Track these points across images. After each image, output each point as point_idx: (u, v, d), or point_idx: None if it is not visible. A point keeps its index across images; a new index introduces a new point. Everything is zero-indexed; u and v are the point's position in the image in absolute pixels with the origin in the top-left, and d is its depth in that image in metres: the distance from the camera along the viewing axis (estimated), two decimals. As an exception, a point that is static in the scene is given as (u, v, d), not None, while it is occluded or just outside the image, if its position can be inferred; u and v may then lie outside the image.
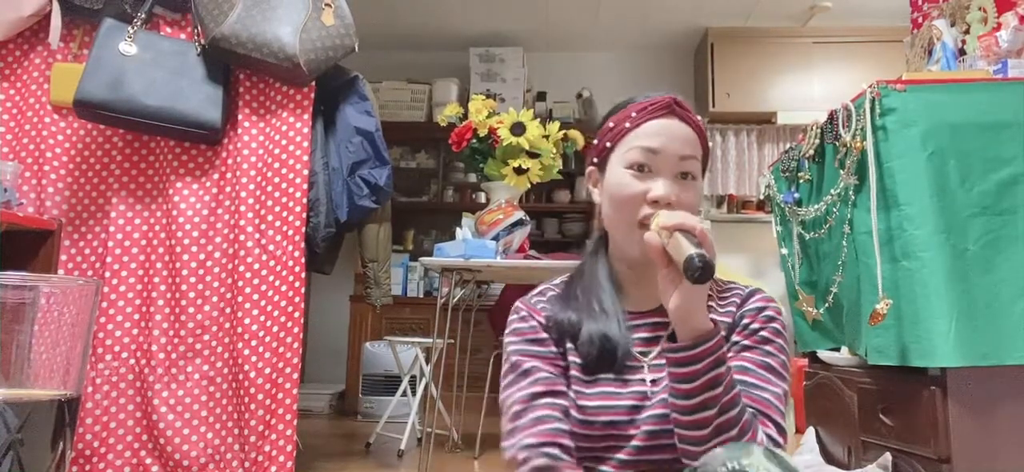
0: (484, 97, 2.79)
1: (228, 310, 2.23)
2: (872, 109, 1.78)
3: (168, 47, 2.26)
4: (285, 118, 2.29)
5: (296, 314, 2.19)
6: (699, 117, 1.06)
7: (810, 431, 2.32)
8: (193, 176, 2.33)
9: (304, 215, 2.24)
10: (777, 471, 0.76)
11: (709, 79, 4.94)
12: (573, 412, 0.98)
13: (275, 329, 2.18)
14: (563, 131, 2.76)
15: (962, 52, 2.25)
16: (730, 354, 0.97)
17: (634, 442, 0.97)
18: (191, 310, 2.23)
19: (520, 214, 2.64)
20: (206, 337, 2.24)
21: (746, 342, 1.00)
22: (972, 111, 1.74)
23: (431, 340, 3.19)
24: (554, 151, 2.70)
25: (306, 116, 2.30)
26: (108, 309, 2.24)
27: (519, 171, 2.62)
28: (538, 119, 2.70)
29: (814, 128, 2.10)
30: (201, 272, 2.25)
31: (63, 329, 0.56)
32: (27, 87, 2.34)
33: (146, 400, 2.21)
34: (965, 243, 1.69)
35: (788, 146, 2.55)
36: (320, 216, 2.35)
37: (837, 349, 2.19)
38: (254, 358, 2.16)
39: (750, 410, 0.92)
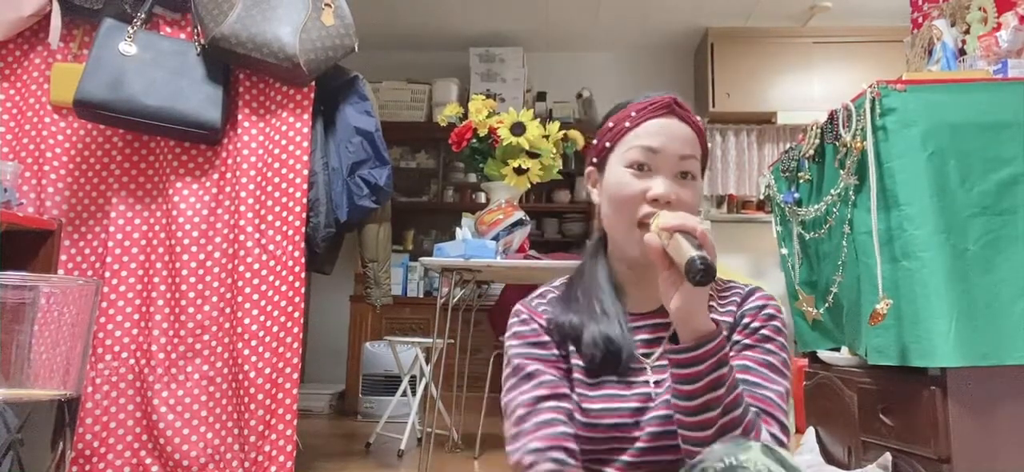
0: (484, 97, 2.79)
1: (228, 310, 2.23)
2: (872, 109, 1.78)
3: (168, 47, 2.26)
4: (285, 118, 2.29)
5: (296, 314, 2.19)
6: (698, 117, 1.06)
7: (810, 431, 2.32)
8: (193, 176, 2.32)
9: (304, 215, 2.24)
10: (775, 466, 0.76)
11: (709, 79, 4.94)
12: (577, 416, 0.98)
13: (275, 329, 2.18)
14: (563, 131, 2.76)
15: (962, 52, 2.25)
16: (732, 353, 0.97)
17: (638, 444, 0.96)
18: (191, 310, 2.23)
19: (520, 214, 2.64)
20: (206, 337, 2.24)
21: (747, 341, 1.00)
22: (972, 111, 1.74)
23: (431, 340, 3.19)
24: (554, 151, 2.70)
25: (306, 116, 2.30)
26: (108, 309, 2.24)
27: (519, 171, 2.62)
28: (538, 119, 2.70)
29: (814, 128, 2.10)
30: (201, 272, 2.25)
31: (63, 329, 0.56)
32: (27, 87, 2.34)
33: (146, 400, 2.21)
34: (965, 243, 1.69)
35: (788, 146, 2.55)
36: (320, 216, 2.35)
37: (837, 349, 2.19)
38: (254, 358, 2.16)
39: (753, 409, 0.92)
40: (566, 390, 1.00)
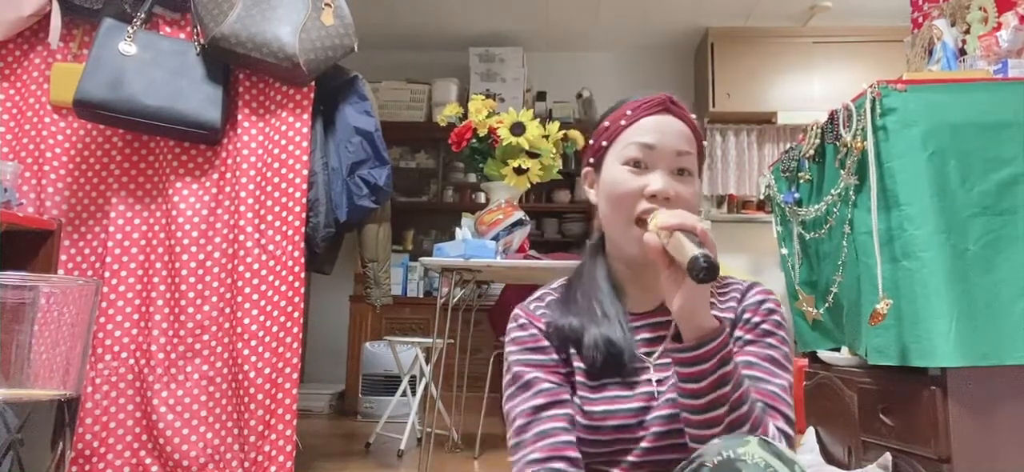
0: (484, 97, 2.79)
1: (228, 310, 2.23)
2: (873, 109, 1.78)
3: (168, 47, 2.26)
4: (285, 118, 2.29)
5: (296, 314, 2.19)
6: (694, 115, 1.06)
7: (810, 431, 2.32)
8: (193, 176, 2.32)
9: (304, 215, 2.24)
10: (772, 459, 0.76)
11: (709, 79, 4.94)
12: (580, 418, 0.98)
13: (275, 329, 2.18)
14: (563, 131, 2.76)
15: (962, 52, 2.24)
16: (734, 350, 0.97)
17: (643, 444, 0.96)
18: (190, 310, 2.23)
19: (520, 214, 2.64)
20: (206, 337, 2.23)
21: (748, 336, 1.00)
22: (972, 111, 1.74)
23: (431, 340, 3.19)
24: (554, 151, 2.70)
25: (306, 116, 2.30)
26: (108, 309, 2.24)
27: (519, 171, 2.62)
28: (538, 119, 2.70)
29: (814, 128, 2.10)
30: (201, 272, 2.25)
31: (63, 329, 0.56)
32: (27, 87, 2.34)
33: (146, 400, 2.21)
34: (965, 243, 1.69)
35: (788, 146, 2.55)
36: (320, 216, 2.35)
37: (837, 349, 2.18)
38: (254, 358, 2.16)
39: (760, 404, 0.91)
40: (566, 396, 0.99)
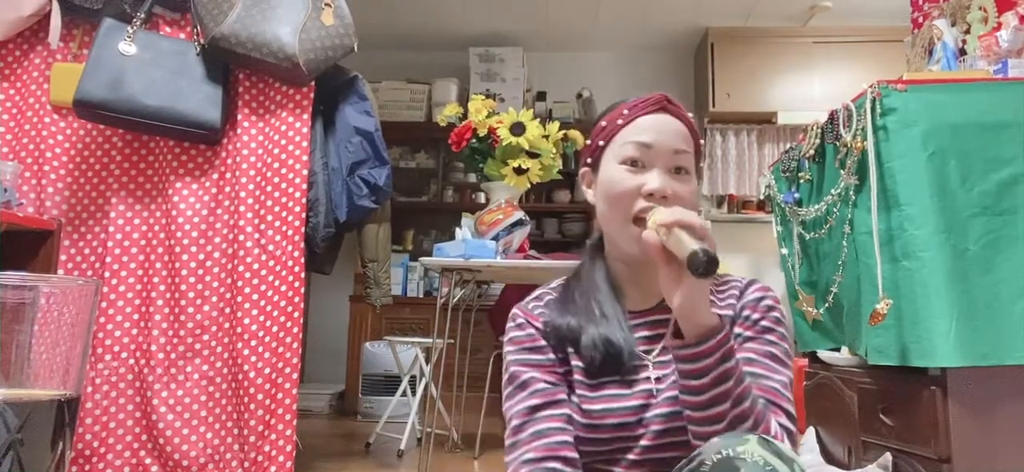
0: (484, 97, 2.79)
1: (227, 310, 2.23)
2: (873, 109, 1.78)
3: (167, 47, 2.26)
4: (284, 118, 2.29)
5: (296, 314, 2.19)
6: (691, 114, 1.06)
7: (810, 431, 2.32)
8: (192, 176, 2.32)
9: (303, 215, 2.24)
10: (771, 458, 0.76)
11: (709, 79, 4.94)
12: (579, 417, 0.98)
13: (275, 329, 2.18)
14: (563, 131, 2.76)
15: (962, 52, 2.24)
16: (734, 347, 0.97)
17: (643, 442, 0.96)
18: (190, 310, 2.23)
19: (520, 214, 2.64)
20: (206, 337, 2.23)
21: (748, 333, 1.00)
22: (973, 111, 1.74)
23: (431, 340, 3.19)
24: (554, 151, 2.70)
25: (306, 116, 2.30)
26: (108, 309, 2.24)
27: (519, 171, 2.62)
28: (538, 119, 2.70)
29: (814, 128, 2.10)
30: (200, 272, 2.25)
31: (63, 329, 0.56)
32: (27, 87, 2.34)
33: (145, 400, 2.21)
34: (965, 243, 1.69)
35: (788, 146, 2.55)
36: (319, 216, 2.35)
37: (837, 349, 2.18)
38: (253, 358, 2.16)
39: (761, 400, 0.92)
40: (562, 396, 0.99)
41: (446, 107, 2.91)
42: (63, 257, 2.27)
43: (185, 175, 2.32)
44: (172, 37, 2.34)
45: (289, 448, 2.13)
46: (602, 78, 5.33)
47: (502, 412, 1.03)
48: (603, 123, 1.06)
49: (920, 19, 2.68)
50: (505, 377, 1.03)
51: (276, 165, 2.25)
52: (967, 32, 2.30)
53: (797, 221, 2.24)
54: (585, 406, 0.98)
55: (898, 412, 1.83)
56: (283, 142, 2.27)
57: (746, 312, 1.02)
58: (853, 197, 1.87)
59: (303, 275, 2.23)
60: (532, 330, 1.04)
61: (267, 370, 2.16)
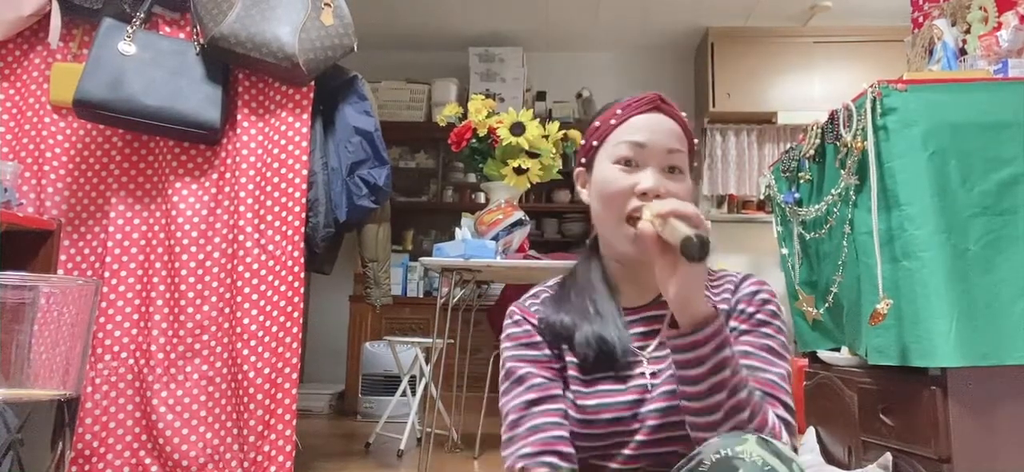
0: (483, 97, 2.79)
1: (227, 310, 2.23)
2: (873, 109, 1.78)
3: (167, 47, 2.26)
4: (284, 118, 2.29)
5: (295, 314, 2.19)
6: (685, 114, 1.07)
7: (810, 431, 2.32)
8: (192, 176, 2.32)
9: (303, 215, 2.24)
10: (770, 457, 0.76)
11: (709, 79, 4.94)
12: (574, 413, 0.98)
13: (274, 329, 2.18)
14: (563, 131, 2.76)
15: (963, 52, 2.24)
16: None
17: (638, 436, 0.97)
18: (190, 310, 2.23)
19: (520, 214, 2.64)
20: (205, 337, 2.23)
21: (744, 327, 1.01)
22: (973, 111, 1.74)
23: (431, 340, 3.19)
24: (554, 151, 2.70)
25: (305, 116, 2.30)
26: (107, 309, 2.24)
27: (519, 171, 2.62)
28: (538, 119, 2.70)
29: (815, 128, 2.10)
30: (200, 272, 2.25)
31: (63, 329, 0.56)
32: (27, 87, 2.34)
33: (145, 400, 2.21)
34: (966, 243, 1.69)
35: (788, 146, 2.55)
36: (319, 216, 2.35)
37: (837, 349, 2.18)
38: (253, 358, 2.16)
39: (758, 392, 0.92)
40: (558, 391, 1.00)
41: (446, 107, 2.91)
42: (63, 257, 2.27)
43: (185, 175, 2.32)
44: (172, 37, 2.34)
45: (289, 448, 2.13)
46: (602, 78, 5.33)
47: (499, 409, 1.04)
48: (597, 123, 1.07)
49: (920, 19, 2.68)
50: (502, 373, 1.04)
51: (276, 165, 2.25)
52: (967, 32, 2.30)
53: (797, 221, 2.24)
54: (580, 402, 0.99)
55: (898, 412, 1.83)
56: (283, 142, 2.27)
57: (741, 306, 1.02)
58: (853, 197, 1.87)
59: (303, 275, 2.23)
60: (528, 326, 1.04)
61: (267, 370, 2.16)
